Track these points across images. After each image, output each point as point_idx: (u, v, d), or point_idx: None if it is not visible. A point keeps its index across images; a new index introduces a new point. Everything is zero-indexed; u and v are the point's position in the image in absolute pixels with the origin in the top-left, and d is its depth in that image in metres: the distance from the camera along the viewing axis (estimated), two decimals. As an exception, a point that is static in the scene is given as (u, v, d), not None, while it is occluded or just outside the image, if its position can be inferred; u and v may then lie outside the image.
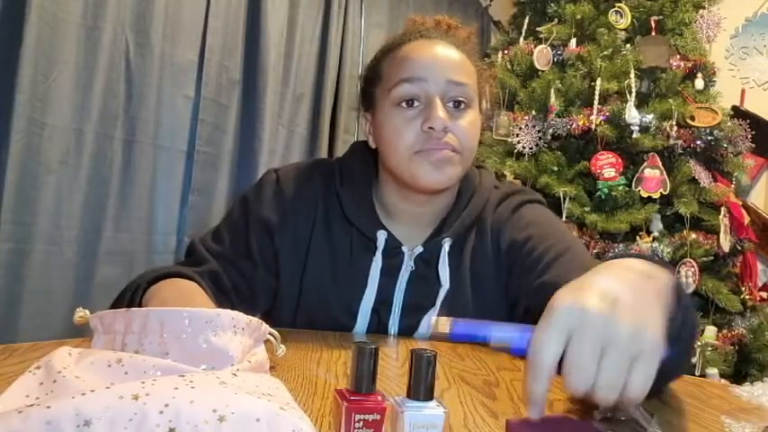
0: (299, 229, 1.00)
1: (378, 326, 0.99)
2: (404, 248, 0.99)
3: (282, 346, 0.70)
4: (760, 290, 2.42)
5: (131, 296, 0.80)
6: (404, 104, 0.94)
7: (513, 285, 0.98)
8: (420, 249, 0.99)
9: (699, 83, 2.25)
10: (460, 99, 0.94)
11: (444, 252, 0.99)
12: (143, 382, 0.43)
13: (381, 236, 0.99)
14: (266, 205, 1.00)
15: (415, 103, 0.94)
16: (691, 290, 2.05)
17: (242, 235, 0.99)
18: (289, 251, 0.99)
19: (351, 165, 1.04)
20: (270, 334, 0.67)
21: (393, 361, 0.81)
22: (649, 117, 2.14)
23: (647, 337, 0.49)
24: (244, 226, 0.99)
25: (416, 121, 0.93)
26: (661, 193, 2.11)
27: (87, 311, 0.64)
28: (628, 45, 2.27)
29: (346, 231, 1.00)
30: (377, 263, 0.98)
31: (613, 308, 0.49)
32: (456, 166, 0.95)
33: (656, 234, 2.12)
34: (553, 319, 0.49)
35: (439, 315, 0.97)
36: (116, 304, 0.82)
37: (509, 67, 2.37)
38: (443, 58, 0.96)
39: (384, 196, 1.03)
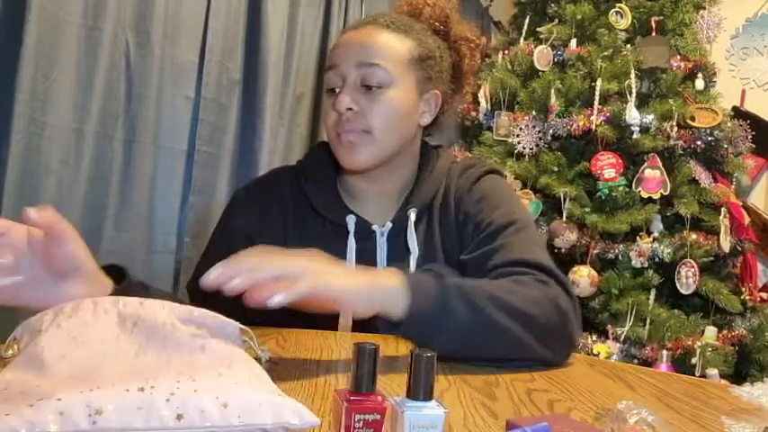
0: (276, 234, 1.03)
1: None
2: (374, 227, 1.02)
3: (264, 348, 0.66)
4: (760, 290, 2.42)
5: None
6: (328, 92, 1.02)
7: (463, 256, 1.00)
8: (390, 225, 1.02)
9: (699, 83, 2.24)
10: (369, 82, 0.99)
11: (410, 222, 1.02)
12: (146, 378, 0.45)
13: (351, 220, 1.02)
14: (240, 217, 1.05)
15: (336, 90, 1.00)
16: (691, 290, 2.06)
17: (227, 249, 0.98)
18: None
19: (311, 162, 1.09)
20: (245, 334, 0.62)
21: (393, 361, 0.81)
22: (650, 117, 2.14)
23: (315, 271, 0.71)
24: (227, 242, 1.01)
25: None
26: (661, 193, 2.11)
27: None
28: (628, 45, 2.27)
29: (319, 224, 1.04)
30: (351, 246, 1.01)
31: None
32: (369, 147, 1.00)
33: (656, 235, 2.12)
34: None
35: None
36: None
37: (509, 67, 2.37)
38: (356, 42, 1.01)
39: (347, 182, 1.07)
